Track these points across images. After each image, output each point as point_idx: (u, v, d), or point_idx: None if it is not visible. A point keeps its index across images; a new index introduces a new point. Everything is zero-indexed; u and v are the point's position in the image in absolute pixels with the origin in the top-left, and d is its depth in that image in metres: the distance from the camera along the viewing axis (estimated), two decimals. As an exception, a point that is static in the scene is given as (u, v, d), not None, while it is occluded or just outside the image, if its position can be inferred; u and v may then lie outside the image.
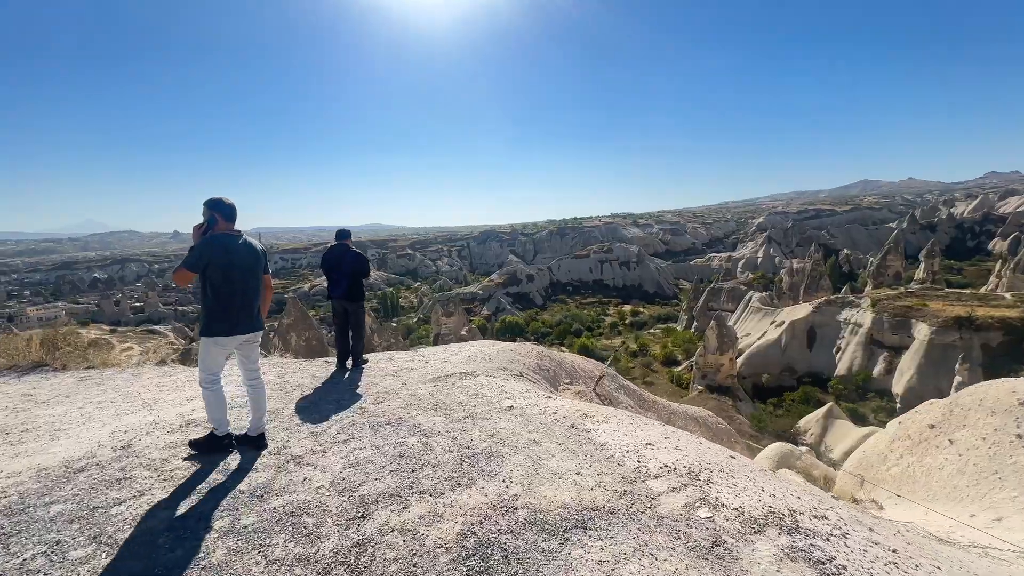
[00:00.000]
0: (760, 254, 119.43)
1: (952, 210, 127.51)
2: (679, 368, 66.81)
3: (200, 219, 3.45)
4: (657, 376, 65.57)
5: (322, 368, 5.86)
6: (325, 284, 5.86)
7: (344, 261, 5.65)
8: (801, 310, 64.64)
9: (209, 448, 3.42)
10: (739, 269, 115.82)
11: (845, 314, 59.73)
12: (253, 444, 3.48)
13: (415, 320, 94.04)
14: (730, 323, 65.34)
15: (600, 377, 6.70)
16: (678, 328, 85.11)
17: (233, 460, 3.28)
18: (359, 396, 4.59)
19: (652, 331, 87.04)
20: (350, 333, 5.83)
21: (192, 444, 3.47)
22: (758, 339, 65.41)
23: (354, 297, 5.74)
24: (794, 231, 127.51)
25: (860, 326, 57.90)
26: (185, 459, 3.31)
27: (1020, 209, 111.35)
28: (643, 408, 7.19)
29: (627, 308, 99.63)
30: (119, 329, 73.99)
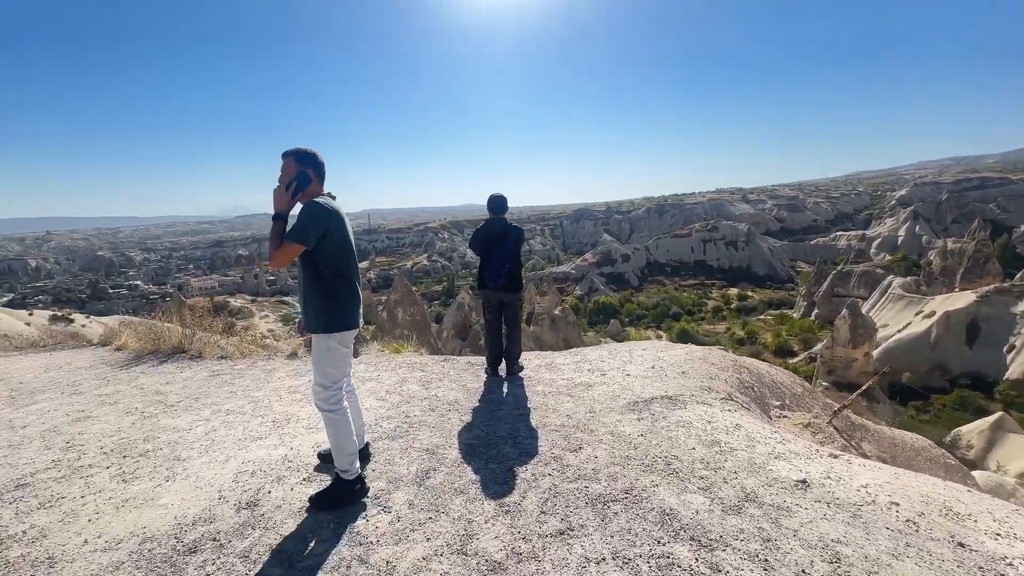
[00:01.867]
0: (902, 232, 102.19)
1: None
2: (795, 360, 60.04)
3: (277, 178, 2.53)
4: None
5: (469, 374, 4.68)
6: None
7: (507, 240, 4.36)
8: (960, 299, 54.13)
9: (339, 501, 2.48)
10: (873, 250, 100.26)
11: (1022, 306, 48.86)
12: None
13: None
14: (864, 311, 56.73)
15: (841, 408, 4.81)
16: (794, 315, 76.17)
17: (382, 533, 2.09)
18: (540, 431, 3.27)
19: (762, 317, 78.90)
20: (503, 331, 4.61)
21: (315, 501, 2.50)
22: (898, 331, 56.21)
23: (515, 287, 4.45)
24: (949, 204, 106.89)
25: (1042, 322, 47.23)
26: (319, 533, 2.20)
27: None
28: (882, 449, 5.16)
29: (733, 291, 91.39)
30: (258, 299, 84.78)
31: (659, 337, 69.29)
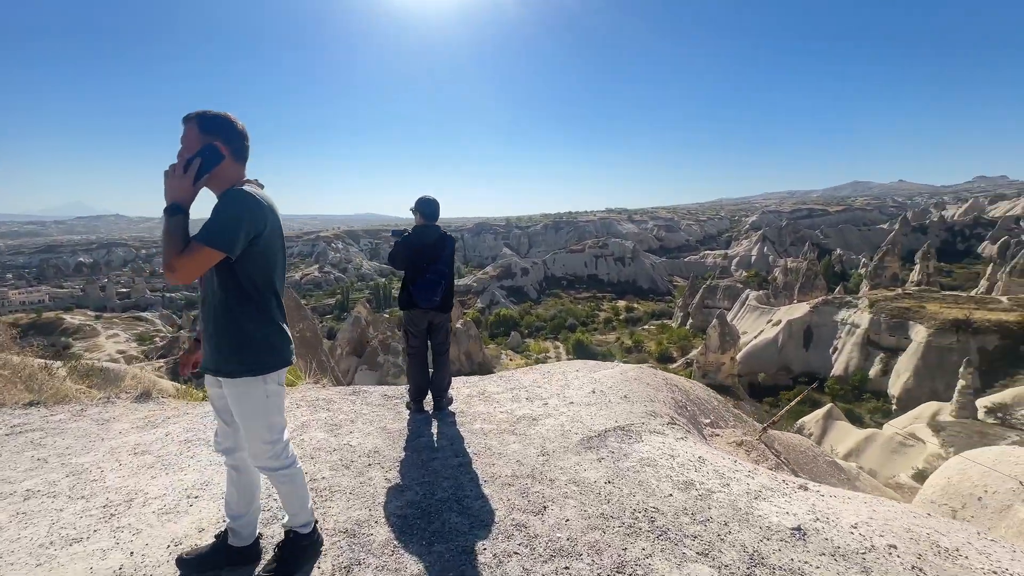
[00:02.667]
0: (754, 252, 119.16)
1: (943, 213, 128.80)
2: (674, 365, 66.17)
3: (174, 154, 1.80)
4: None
5: (387, 410, 3.86)
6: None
7: (443, 252, 3.70)
8: (798, 309, 64.26)
9: (304, 556, 2.04)
10: (733, 267, 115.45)
11: (842, 314, 59.51)
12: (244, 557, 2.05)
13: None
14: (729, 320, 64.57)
15: (769, 425, 4.86)
16: (673, 325, 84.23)
17: None
18: (488, 486, 2.64)
19: (647, 327, 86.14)
20: (429, 358, 3.91)
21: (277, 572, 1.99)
22: (754, 338, 64.90)
23: (447, 306, 3.81)
24: (788, 230, 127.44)
25: (857, 327, 57.84)
26: None
27: (1009, 213, 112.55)
28: (788, 456, 5.36)
29: (622, 304, 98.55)
30: (104, 315, 70.85)
31: (556, 348, 71.92)
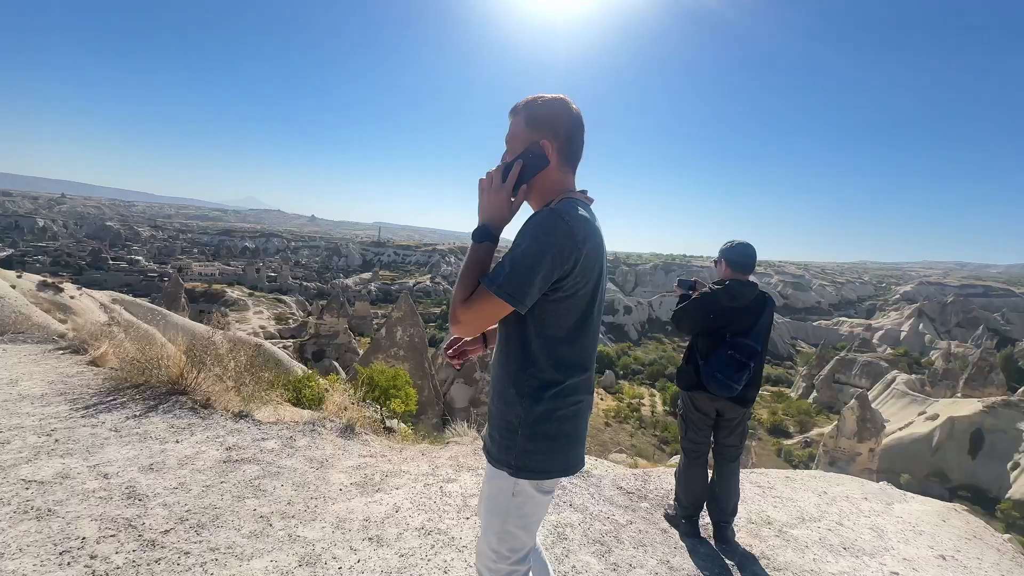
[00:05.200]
0: (906, 328, 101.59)
1: None
2: (790, 442, 58.07)
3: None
4: (762, 446, 56.95)
5: (644, 521, 2.91)
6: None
7: (758, 320, 2.71)
8: (966, 406, 52.83)
9: None
10: (875, 340, 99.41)
11: (1030, 423, 47.59)
12: None
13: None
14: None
15: None
16: (791, 395, 74.21)
17: None
18: None
19: (760, 392, 77.09)
20: (714, 464, 2.88)
21: None
22: (900, 429, 54.49)
23: (750, 397, 2.78)
24: (955, 307, 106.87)
25: (1049, 441, 45.92)
26: None
27: None
28: None
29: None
30: (256, 293, 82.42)
31: (651, 396, 66.76)
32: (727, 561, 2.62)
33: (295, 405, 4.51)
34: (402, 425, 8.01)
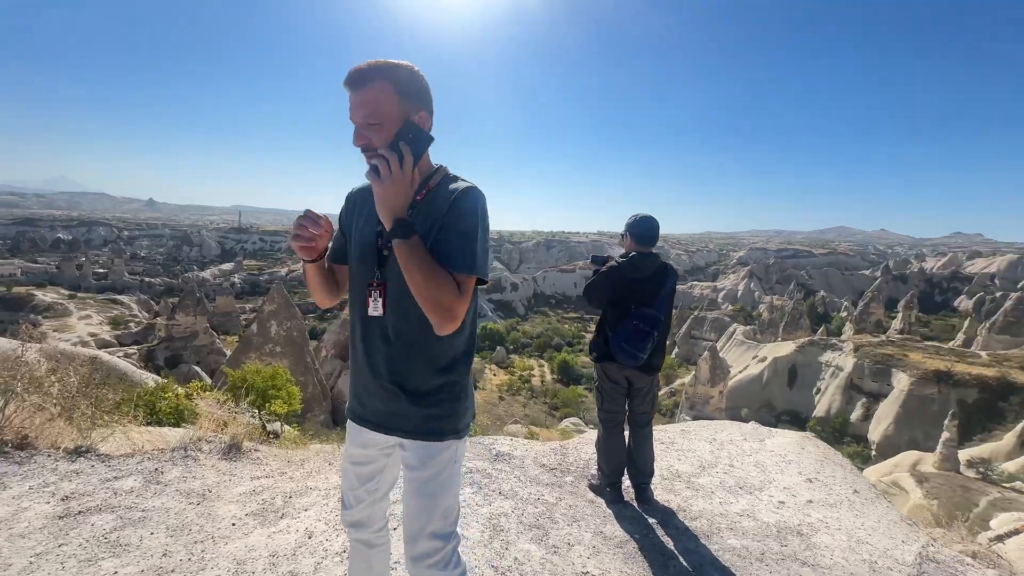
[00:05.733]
0: (741, 287, 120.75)
1: (923, 264, 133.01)
2: (660, 392, 65.80)
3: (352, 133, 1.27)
4: (637, 400, 63.60)
5: (570, 495, 2.95)
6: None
7: (660, 290, 2.82)
8: (784, 347, 64.82)
9: None
10: (720, 299, 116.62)
11: (827, 356, 60.20)
12: None
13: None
14: (717, 354, 64.76)
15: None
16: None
17: None
18: None
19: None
20: (629, 431, 2.98)
21: None
22: (739, 372, 65.12)
23: (655, 365, 2.90)
24: (775, 268, 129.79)
25: (841, 369, 58.54)
26: None
27: (985, 271, 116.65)
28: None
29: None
30: (79, 295, 67.30)
31: (540, 367, 70.64)
32: (651, 520, 2.77)
33: (157, 426, 3.72)
34: (287, 428, 7.24)
